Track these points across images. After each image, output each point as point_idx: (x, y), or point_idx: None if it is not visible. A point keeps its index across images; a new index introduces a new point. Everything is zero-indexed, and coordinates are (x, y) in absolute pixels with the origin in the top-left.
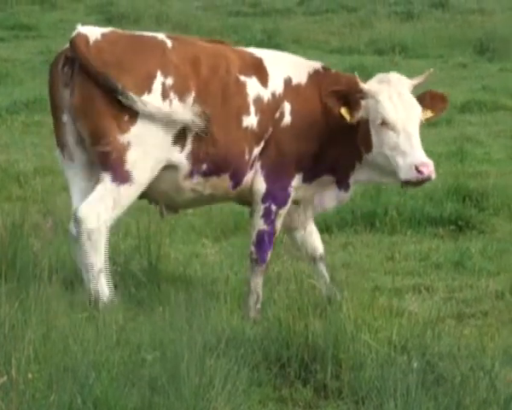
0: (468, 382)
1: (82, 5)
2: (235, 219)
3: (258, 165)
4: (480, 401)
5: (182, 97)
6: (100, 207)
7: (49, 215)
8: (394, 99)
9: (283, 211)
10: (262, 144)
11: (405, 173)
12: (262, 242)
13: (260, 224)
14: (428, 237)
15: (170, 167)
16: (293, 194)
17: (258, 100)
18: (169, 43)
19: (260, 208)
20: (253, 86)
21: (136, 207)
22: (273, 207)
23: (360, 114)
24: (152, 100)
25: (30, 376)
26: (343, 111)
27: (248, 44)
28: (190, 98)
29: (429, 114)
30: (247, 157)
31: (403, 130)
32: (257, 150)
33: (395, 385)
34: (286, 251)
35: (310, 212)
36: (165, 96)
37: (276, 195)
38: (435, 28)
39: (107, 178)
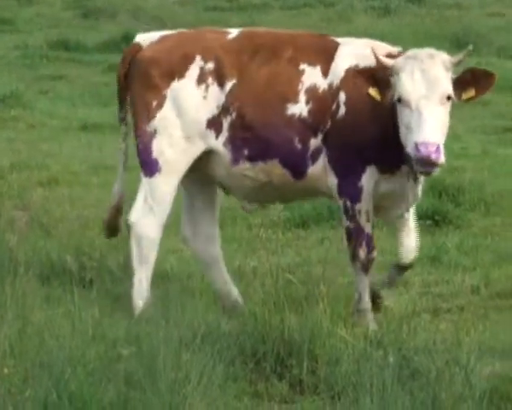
0: (444, 376)
1: (59, 0)
2: None
3: (324, 158)
4: (455, 396)
5: (221, 82)
6: (147, 211)
7: (25, 210)
8: (416, 75)
9: (361, 207)
10: (320, 136)
11: (408, 150)
12: (349, 239)
13: (344, 220)
14: None
15: (213, 153)
16: (369, 189)
17: (312, 89)
18: (232, 34)
19: (340, 204)
20: (311, 76)
21: None
22: (348, 204)
23: (391, 93)
24: (185, 84)
25: (5, 371)
26: (372, 92)
27: None
28: (229, 84)
29: (472, 92)
30: (298, 146)
31: (416, 108)
32: (314, 142)
33: (371, 380)
34: None
35: (403, 206)
36: (201, 80)
37: (349, 190)
38: (412, 23)
39: (142, 173)
